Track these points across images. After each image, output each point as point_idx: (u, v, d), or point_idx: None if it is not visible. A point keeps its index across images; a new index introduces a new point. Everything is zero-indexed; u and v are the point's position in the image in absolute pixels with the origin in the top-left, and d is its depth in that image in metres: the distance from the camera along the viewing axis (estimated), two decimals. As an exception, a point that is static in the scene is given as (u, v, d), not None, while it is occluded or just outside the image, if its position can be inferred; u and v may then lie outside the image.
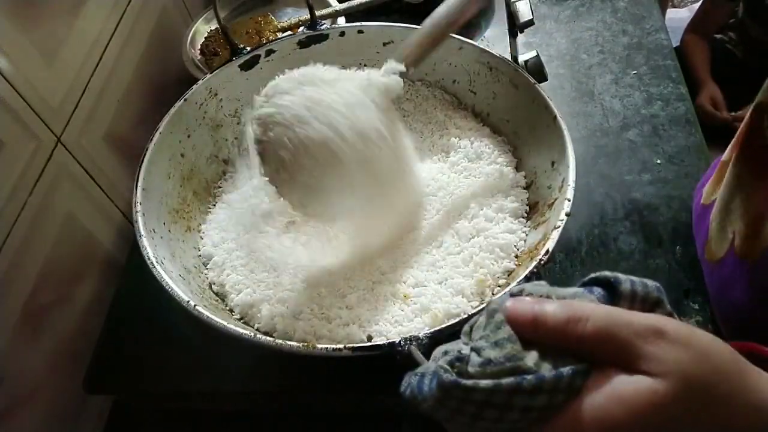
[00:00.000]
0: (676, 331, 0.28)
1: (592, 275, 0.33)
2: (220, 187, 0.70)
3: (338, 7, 0.83)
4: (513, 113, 0.68)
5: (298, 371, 0.59)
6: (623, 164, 0.76)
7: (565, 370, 0.28)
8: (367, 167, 0.52)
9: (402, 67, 0.55)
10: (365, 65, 0.72)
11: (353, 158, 0.51)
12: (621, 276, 0.32)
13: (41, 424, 0.60)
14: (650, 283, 0.32)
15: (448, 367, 0.29)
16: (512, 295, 0.32)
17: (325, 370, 0.58)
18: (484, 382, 0.28)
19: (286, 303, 0.56)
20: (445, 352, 0.31)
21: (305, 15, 0.77)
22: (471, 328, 0.33)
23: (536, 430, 0.29)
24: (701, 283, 0.64)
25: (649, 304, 0.31)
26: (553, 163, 0.60)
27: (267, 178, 0.53)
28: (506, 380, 0.28)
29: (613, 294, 0.32)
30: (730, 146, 0.63)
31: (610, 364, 0.29)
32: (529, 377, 0.28)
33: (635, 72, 0.87)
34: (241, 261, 0.60)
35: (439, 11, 0.57)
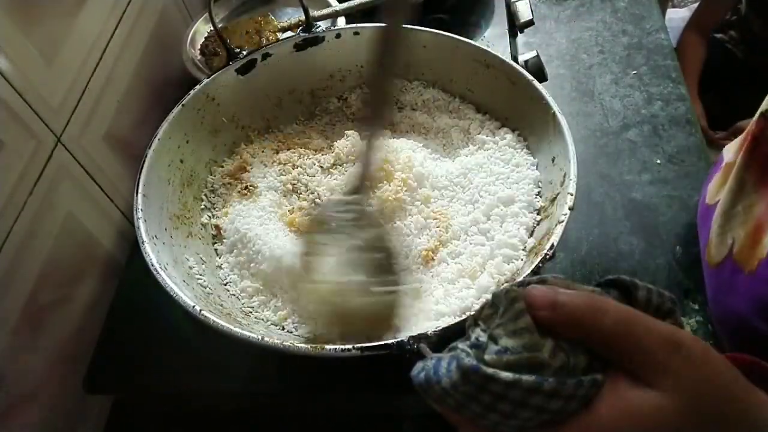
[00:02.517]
0: (693, 348, 0.28)
1: (610, 277, 0.32)
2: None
3: (337, 7, 0.83)
4: (511, 111, 0.68)
5: (298, 371, 0.59)
6: (623, 164, 0.76)
7: (586, 379, 0.28)
8: None
9: None
10: (362, 66, 0.73)
11: None
12: (639, 282, 0.31)
13: (41, 424, 0.60)
14: (666, 294, 0.32)
15: (469, 351, 0.29)
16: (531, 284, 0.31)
17: (325, 371, 0.58)
18: (505, 374, 0.28)
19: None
20: (453, 348, 0.31)
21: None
22: (475, 320, 0.32)
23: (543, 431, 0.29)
24: (701, 283, 0.64)
25: (661, 314, 0.31)
26: (553, 159, 0.60)
27: None
28: (527, 378, 0.27)
29: (628, 299, 0.31)
30: (734, 147, 0.62)
31: (622, 370, 0.29)
32: (551, 380, 0.28)
33: (635, 72, 0.87)
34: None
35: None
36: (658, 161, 0.76)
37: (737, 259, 0.56)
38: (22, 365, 0.58)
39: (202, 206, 0.67)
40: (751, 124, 0.58)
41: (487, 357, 0.28)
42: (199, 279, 0.59)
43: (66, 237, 0.63)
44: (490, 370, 0.28)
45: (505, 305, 0.30)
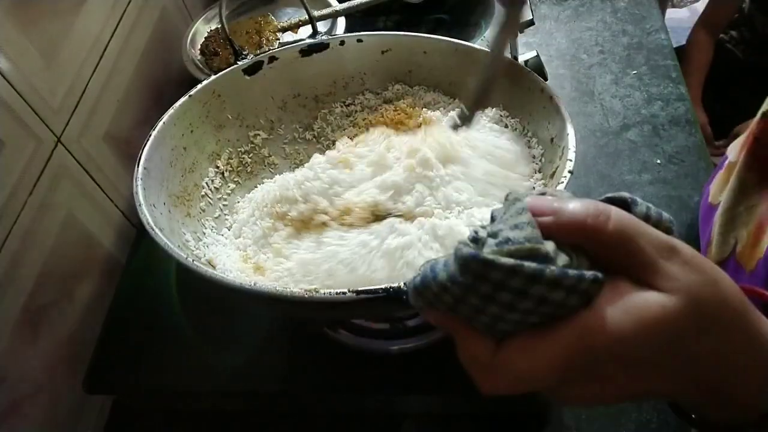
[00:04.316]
0: (689, 253, 0.28)
1: (609, 195, 0.32)
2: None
3: (338, 7, 0.83)
4: (510, 103, 0.68)
5: (298, 371, 0.59)
6: (623, 164, 0.76)
7: (588, 273, 0.27)
8: None
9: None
10: (365, 73, 0.73)
11: None
12: (638, 199, 0.31)
13: (41, 424, 0.60)
14: (665, 214, 0.31)
15: (469, 243, 0.28)
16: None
17: (325, 370, 0.58)
18: (505, 259, 0.26)
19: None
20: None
21: (305, 15, 0.77)
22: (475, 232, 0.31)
23: (541, 328, 0.28)
24: (701, 283, 0.64)
25: (659, 230, 0.30)
26: (552, 140, 0.60)
27: None
28: (528, 264, 0.26)
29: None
30: (737, 147, 0.62)
31: (622, 274, 0.29)
32: (553, 268, 0.27)
33: (635, 72, 0.87)
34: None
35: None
36: (658, 161, 0.76)
37: (739, 259, 0.56)
38: (22, 365, 0.58)
39: (203, 193, 0.67)
40: (752, 124, 0.58)
41: (486, 250, 0.27)
42: (194, 251, 0.58)
43: (66, 237, 0.63)
44: (490, 256, 0.26)
45: (506, 206, 0.29)
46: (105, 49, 0.69)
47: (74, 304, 0.65)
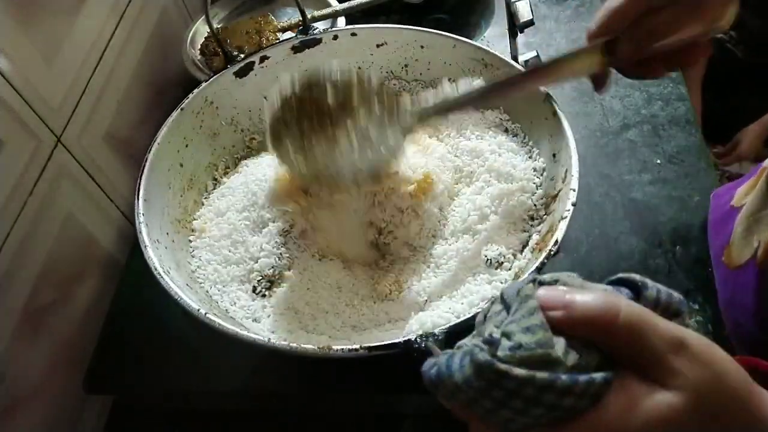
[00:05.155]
0: (698, 347, 0.29)
1: (621, 275, 0.33)
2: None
3: (337, 7, 0.83)
4: (512, 107, 0.68)
5: (297, 371, 0.59)
6: (623, 164, 0.76)
7: (598, 376, 0.28)
8: None
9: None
10: (359, 67, 0.72)
11: None
12: (649, 282, 0.32)
13: (41, 424, 0.60)
14: (675, 294, 0.32)
15: (483, 346, 0.29)
16: (543, 283, 0.31)
17: (325, 370, 0.58)
18: (518, 371, 0.28)
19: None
20: (460, 347, 0.31)
21: (306, 14, 0.77)
22: (485, 316, 0.32)
23: (552, 428, 0.29)
24: (701, 283, 0.64)
25: (669, 314, 0.31)
26: (554, 155, 0.60)
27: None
28: (540, 374, 0.28)
29: (637, 298, 0.31)
30: None
31: (632, 366, 0.29)
32: (564, 377, 0.28)
33: (635, 72, 0.87)
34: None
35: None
36: (658, 161, 0.76)
37: (760, 263, 0.56)
38: (22, 365, 0.58)
39: (198, 211, 0.67)
40: None
41: (500, 353, 0.28)
42: (201, 283, 0.59)
43: (66, 237, 0.63)
44: (503, 366, 0.28)
45: (518, 303, 0.30)
46: (105, 49, 0.69)
47: (74, 304, 0.65)
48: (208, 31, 0.86)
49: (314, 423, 0.65)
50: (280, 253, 0.60)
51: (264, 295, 0.59)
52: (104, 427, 0.66)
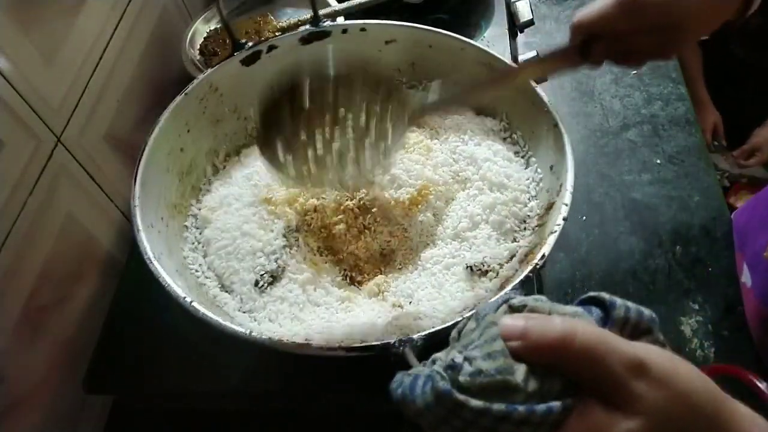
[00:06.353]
0: (660, 367, 0.29)
1: (590, 294, 0.33)
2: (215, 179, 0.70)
3: (338, 6, 0.83)
4: (513, 116, 0.68)
5: (298, 371, 0.59)
6: (623, 164, 0.76)
7: (556, 405, 0.29)
8: None
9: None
10: (367, 62, 0.72)
11: None
12: (618, 300, 0.32)
13: (41, 424, 0.60)
14: (645, 311, 0.32)
15: (444, 374, 0.29)
16: (512, 307, 0.32)
17: (325, 370, 0.58)
18: (475, 402, 0.28)
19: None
20: (434, 361, 0.31)
21: (305, 15, 0.77)
22: (459, 333, 0.33)
23: None
24: (701, 283, 0.64)
25: (639, 332, 0.31)
26: (551, 167, 0.60)
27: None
28: (497, 406, 0.28)
29: (608, 316, 0.32)
30: None
31: (591, 394, 0.29)
32: (521, 408, 0.28)
33: (635, 72, 0.87)
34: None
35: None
36: (658, 161, 0.76)
37: None
38: (22, 365, 0.58)
39: (200, 197, 0.67)
40: None
41: (461, 378, 0.29)
42: (193, 270, 0.59)
43: (66, 237, 0.63)
44: (461, 397, 0.28)
45: (481, 329, 0.31)
46: (105, 49, 0.69)
47: (74, 304, 0.65)
48: (208, 30, 0.87)
49: (314, 423, 0.65)
50: (284, 249, 0.60)
51: (264, 290, 0.59)
52: (104, 427, 0.66)
